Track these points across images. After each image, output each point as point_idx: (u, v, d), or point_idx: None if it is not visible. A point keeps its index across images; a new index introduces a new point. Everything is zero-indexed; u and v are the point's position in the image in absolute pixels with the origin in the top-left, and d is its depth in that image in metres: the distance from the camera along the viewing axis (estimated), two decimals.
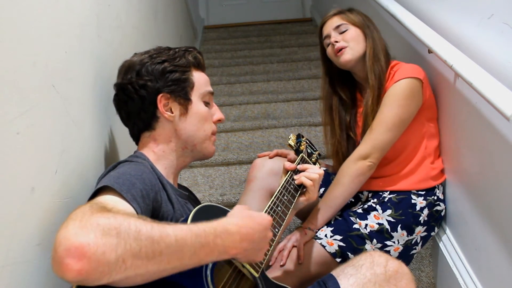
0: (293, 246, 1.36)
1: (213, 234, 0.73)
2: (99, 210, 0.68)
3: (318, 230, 1.39)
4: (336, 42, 1.47)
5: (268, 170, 1.45)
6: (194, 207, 0.90)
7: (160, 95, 1.05)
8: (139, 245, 0.64)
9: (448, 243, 1.46)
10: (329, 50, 1.52)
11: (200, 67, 1.12)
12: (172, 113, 1.06)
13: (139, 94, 1.05)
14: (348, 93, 1.57)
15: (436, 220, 1.44)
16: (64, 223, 0.64)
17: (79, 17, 1.06)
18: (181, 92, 1.06)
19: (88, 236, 0.61)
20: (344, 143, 1.55)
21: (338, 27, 1.49)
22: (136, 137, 1.11)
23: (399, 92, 1.38)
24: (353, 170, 1.38)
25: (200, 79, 1.10)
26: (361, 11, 1.55)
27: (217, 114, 1.14)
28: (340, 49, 1.47)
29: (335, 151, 1.57)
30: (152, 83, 1.04)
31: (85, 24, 1.09)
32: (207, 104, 1.12)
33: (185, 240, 0.69)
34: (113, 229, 0.63)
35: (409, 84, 1.38)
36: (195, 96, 1.08)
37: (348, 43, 1.46)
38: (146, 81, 1.04)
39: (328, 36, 1.51)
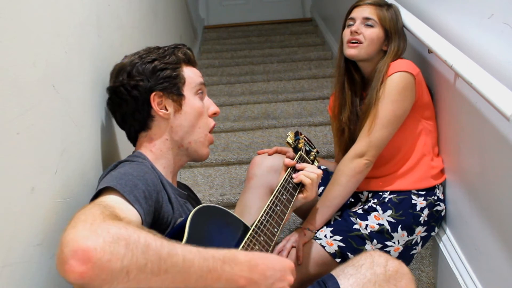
0: (292, 247, 1.36)
1: (221, 260, 0.72)
2: (111, 217, 0.68)
3: (317, 230, 1.39)
4: (356, 32, 1.46)
5: (267, 167, 1.44)
6: (194, 207, 0.89)
7: (153, 93, 1.04)
8: (146, 259, 0.63)
9: (448, 243, 1.46)
10: (346, 32, 1.50)
11: (191, 62, 1.12)
12: (167, 110, 1.06)
13: (132, 95, 1.04)
14: (359, 78, 1.55)
15: (436, 220, 1.44)
16: (72, 223, 0.64)
17: (79, 17, 1.06)
18: (174, 89, 1.06)
19: (97, 241, 0.60)
20: (354, 118, 1.51)
21: (367, 19, 1.47)
22: (133, 138, 1.11)
23: (392, 87, 1.37)
24: (350, 169, 1.38)
25: (191, 74, 1.10)
26: (398, 12, 1.52)
27: (212, 107, 1.13)
28: (355, 42, 1.46)
29: (341, 128, 1.54)
30: (144, 83, 1.04)
31: (85, 24, 1.09)
32: (201, 95, 1.11)
33: (192, 262, 0.68)
34: (122, 239, 0.63)
35: (401, 78, 1.37)
36: (187, 91, 1.08)
37: (365, 41, 1.45)
38: (137, 81, 1.04)
39: (353, 19, 1.50)
